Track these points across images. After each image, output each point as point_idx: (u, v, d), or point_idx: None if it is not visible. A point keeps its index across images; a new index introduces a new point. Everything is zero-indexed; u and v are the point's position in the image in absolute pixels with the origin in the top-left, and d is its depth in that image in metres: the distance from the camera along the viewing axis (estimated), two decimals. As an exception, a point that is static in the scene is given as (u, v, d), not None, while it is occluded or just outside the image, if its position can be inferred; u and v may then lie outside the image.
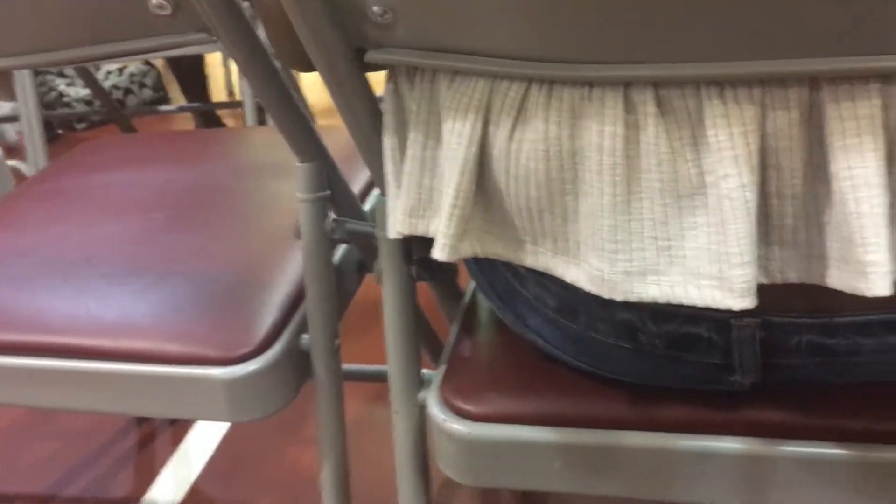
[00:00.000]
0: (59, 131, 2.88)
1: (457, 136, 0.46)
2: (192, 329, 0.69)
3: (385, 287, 0.62)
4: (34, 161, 1.79)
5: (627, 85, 0.41)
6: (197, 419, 0.87)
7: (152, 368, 0.68)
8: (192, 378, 0.67)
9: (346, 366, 0.78)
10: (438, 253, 0.47)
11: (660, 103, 0.41)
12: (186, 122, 2.74)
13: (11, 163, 2.02)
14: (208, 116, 2.49)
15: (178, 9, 0.55)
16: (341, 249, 0.80)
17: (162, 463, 1.24)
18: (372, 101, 0.52)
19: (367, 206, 0.87)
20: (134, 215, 0.87)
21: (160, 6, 0.54)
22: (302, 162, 0.67)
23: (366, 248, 0.76)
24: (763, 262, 0.44)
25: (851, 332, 0.48)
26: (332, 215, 0.70)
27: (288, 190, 0.91)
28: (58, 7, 0.56)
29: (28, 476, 1.24)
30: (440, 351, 0.93)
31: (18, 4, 0.56)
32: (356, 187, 0.91)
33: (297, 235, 0.69)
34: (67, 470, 1.24)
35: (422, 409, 0.62)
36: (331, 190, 0.69)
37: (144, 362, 0.68)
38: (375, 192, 0.91)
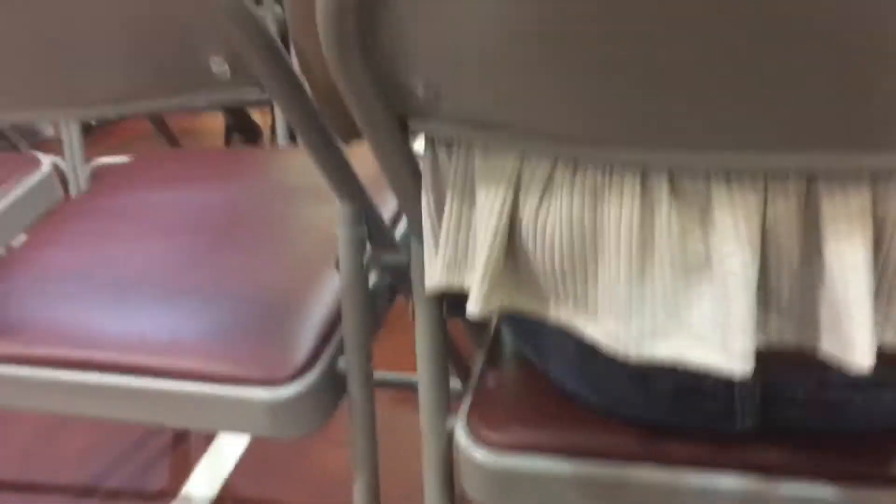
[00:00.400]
0: (93, 123, 2.94)
1: (489, 204, 0.51)
2: (238, 350, 0.75)
3: (418, 323, 0.67)
4: (71, 155, 1.84)
5: (644, 170, 0.46)
6: (241, 433, 0.93)
7: (201, 387, 0.74)
8: (238, 398, 0.73)
9: (375, 374, 0.83)
10: (472, 306, 0.52)
11: (673, 188, 0.46)
12: (215, 117, 2.79)
13: (49, 157, 2.08)
14: (237, 112, 2.53)
15: (235, 71, 0.60)
16: (374, 274, 0.86)
17: (196, 458, 1.31)
18: (413, 164, 0.57)
19: (397, 233, 0.92)
20: (179, 236, 0.93)
21: (220, 71, 0.59)
22: (342, 200, 0.72)
23: (398, 275, 0.82)
24: (762, 326, 0.48)
25: (844, 387, 0.53)
26: (369, 248, 0.75)
27: (325, 213, 0.96)
28: (128, 65, 0.62)
29: (67, 467, 1.31)
30: (461, 365, 0.99)
31: (95, 63, 0.62)
32: (386, 212, 0.96)
33: (338, 266, 0.75)
34: (105, 464, 1.31)
35: (450, 435, 0.67)
36: (367, 225, 0.74)
37: (194, 380, 0.74)
38: (405, 220, 0.96)
